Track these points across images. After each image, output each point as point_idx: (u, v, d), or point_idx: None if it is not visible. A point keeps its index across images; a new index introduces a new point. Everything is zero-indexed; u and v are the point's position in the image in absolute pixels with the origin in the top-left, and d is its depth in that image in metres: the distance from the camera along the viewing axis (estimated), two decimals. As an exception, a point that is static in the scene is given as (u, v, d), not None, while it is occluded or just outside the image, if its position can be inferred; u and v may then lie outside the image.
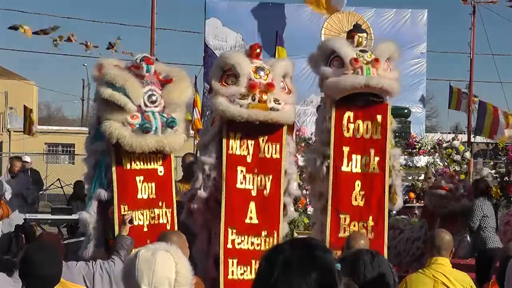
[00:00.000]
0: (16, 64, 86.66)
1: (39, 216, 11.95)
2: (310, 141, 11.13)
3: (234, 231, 6.23)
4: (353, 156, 6.61)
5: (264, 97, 6.13)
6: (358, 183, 6.61)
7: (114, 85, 6.11)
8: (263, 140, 6.32)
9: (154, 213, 6.27)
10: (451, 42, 70.42)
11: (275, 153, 6.33)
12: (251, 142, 6.31)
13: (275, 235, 6.27)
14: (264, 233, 6.26)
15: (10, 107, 33.02)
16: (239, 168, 6.28)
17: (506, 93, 22.41)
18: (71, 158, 31.82)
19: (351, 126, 6.63)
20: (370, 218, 6.63)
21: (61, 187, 17.53)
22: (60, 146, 34.49)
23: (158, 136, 6.11)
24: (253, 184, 6.29)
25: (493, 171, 11.19)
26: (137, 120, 6.08)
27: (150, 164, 6.33)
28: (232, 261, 6.21)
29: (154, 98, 6.17)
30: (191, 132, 10.90)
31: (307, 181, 7.02)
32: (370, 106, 6.70)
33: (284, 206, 6.46)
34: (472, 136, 17.37)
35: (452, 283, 4.75)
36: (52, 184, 19.69)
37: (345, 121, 6.62)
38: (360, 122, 6.65)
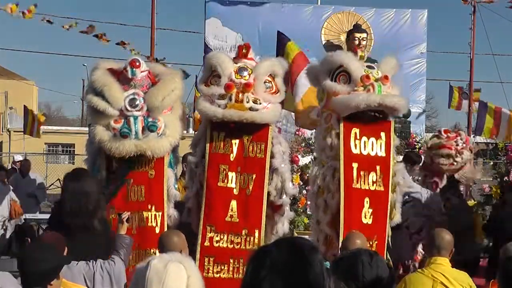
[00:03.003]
0: (16, 64, 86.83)
1: (39, 216, 11.95)
2: (310, 141, 11.11)
3: (213, 228, 6.22)
4: (361, 172, 6.45)
5: (241, 96, 6.13)
6: (367, 200, 6.45)
7: (95, 90, 6.16)
8: (247, 140, 6.31)
9: (143, 216, 6.22)
10: (451, 42, 70.53)
11: (260, 153, 6.30)
12: (235, 142, 6.31)
13: (256, 234, 6.23)
14: (244, 231, 6.24)
15: (10, 107, 33.05)
16: (222, 167, 6.27)
17: (506, 93, 22.39)
18: (71, 158, 31.79)
19: (358, 142, 6.48)
20: (375, 236, 6.48)
21: (61, 187, 17.56)
22: (60, 146, 34.48)
23: (138, 140, 6.09)
24: (235, 183, 6.28)
25: (493, 171, 11.18)
26: (120, 125, 6.10)
27: (140, 167, 6.29)
28: (209, 259, 6.18)
29: (136, 102, 6.15)
30: (192, 131, 10.90)
31: (313, 193, 6.81)
32: (374, 123, 6.57)
33: (281, 206, 6.47)
34: (472, 136, 17.36)
35: (451, 283, 4.75)
36: (52, 184, 19.67)
37: (352, 138, 6.46)
38: (365, 139, 6.50)
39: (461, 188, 9.16)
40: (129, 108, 6.13)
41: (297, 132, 11.45)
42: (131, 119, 6.11)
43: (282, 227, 6.57)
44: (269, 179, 6.34)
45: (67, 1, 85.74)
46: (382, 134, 6.58)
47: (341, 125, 6.43)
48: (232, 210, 6.25)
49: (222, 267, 6.18)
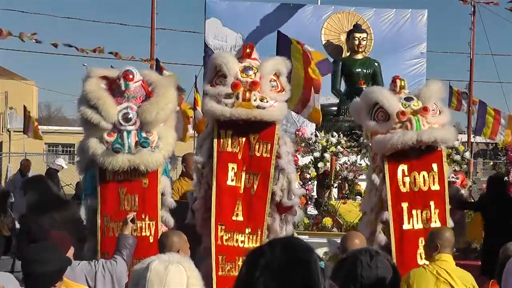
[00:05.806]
0: (16, 64, 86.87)
1: (40, 216, 11.93)
2: (310, 141, 11.10)
3: (223, 228, 6.22)
4: (413, 211, 6.24)
5: (248, 95, 6.14)
6: (421, 240, 6.11)
7: (89, 102, 6.15)
8: (254, 138, 6.31)
9: (137, 226, 6.15)
10: (451, 42, 70.67)
11: (265, 152, 6.30)
12: (242, 140, 6.31)
13: (259, 232, 6.25)
14: (248, 230, 6.25)
15: (10, 107, 33.06)
16: (230, 165, 6.27)
17: (506, 93, 22.40)
18: (71, 158, 31.75)
19: (407, 179, 6.29)
20: None
21: (61, 187, 17.51)
22: (60, 146, 34.45)
23: (131, 155, 6.07)
24: (241, 182, 6.29)
25: (493, 171, 11.19)
26: (113, 138, 6.09)
27: (134, 176, 6.25)
28: (222, 257, 6.19)
29: (129, 116, 6.13)
30: (192, 132, 10.88)
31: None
32: (424, 155, 6.33)
33: (292, 206, 6.48)
34: (472, 136, 17.36)
35: (455, 282, 4.74)
36: (52, 184, 19.68)
37: (400, 175, 6.29)
38: (415, 173, 6.31)
39: None
40: (122, 123, 6.11)
41: (297, 132, 11.45)
42: (125, 133, 6.10)
43: (291, 227, 6.61)
44: (276, 179, 6.35)
45: (67, 1, 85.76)
46: (434, 166, 6.36)
47: (386, 165, 6.26)
48: (238, 209, 6.26)
49: (231, 265, 6.20)
